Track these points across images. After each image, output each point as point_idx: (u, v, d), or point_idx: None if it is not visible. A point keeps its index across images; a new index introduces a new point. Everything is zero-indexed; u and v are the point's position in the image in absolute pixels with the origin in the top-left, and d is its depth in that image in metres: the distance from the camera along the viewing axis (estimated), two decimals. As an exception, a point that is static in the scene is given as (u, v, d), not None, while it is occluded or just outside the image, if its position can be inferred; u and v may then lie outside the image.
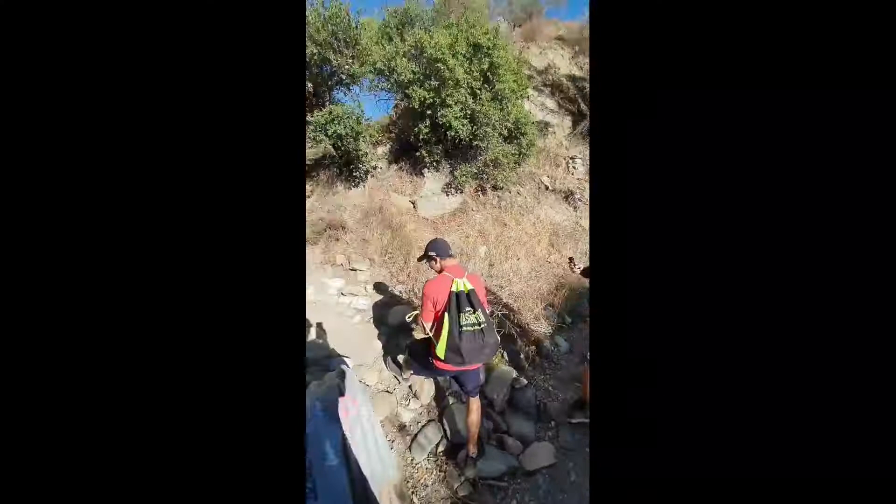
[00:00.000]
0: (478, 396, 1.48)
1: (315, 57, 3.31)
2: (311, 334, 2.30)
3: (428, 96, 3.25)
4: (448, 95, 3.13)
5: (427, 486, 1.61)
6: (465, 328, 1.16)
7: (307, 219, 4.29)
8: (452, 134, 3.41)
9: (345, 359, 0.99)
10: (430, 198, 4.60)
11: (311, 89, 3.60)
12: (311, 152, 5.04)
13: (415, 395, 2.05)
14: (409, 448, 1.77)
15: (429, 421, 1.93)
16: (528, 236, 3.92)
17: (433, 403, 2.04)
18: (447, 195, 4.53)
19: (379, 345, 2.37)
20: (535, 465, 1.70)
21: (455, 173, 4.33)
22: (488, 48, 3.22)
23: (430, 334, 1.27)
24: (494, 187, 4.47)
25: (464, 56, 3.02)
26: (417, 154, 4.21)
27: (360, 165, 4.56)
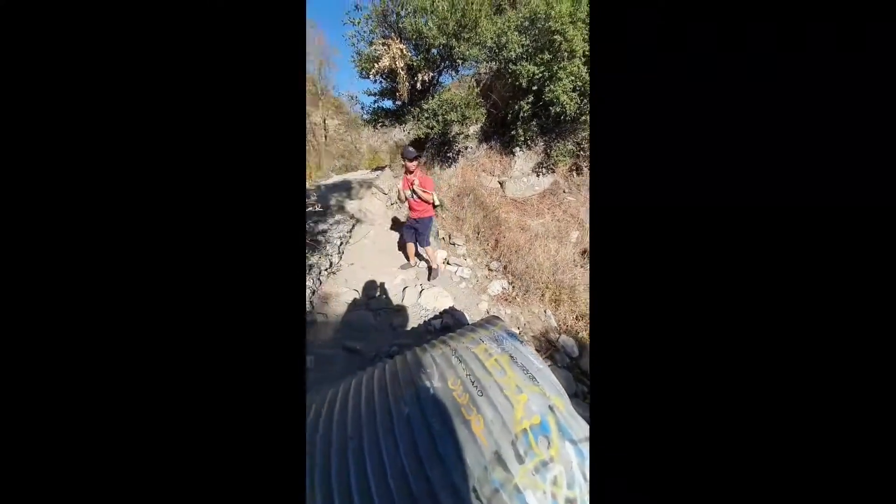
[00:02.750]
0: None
1: (441, 45, 3.41)
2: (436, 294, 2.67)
3: (537, 71, 3.20)
4: (560, 68, 3.03)
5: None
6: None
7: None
8: (558, 109, 3.31)
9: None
10: (518, 178, 4.57)
11: (428, 77, 3.86)
12: (410, 134, 5.47)
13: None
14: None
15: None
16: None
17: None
18: (537, 175, 4.44)
19: (484, 307, 2.62)
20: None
21: (550, 151, 4.20)
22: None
23: (438, 203, 2.63)
24: (595, 166, 4.17)
25: (583, 22, 2.85)
26: (513, 133, 4.19)
27: (455, 146, 4.78)
